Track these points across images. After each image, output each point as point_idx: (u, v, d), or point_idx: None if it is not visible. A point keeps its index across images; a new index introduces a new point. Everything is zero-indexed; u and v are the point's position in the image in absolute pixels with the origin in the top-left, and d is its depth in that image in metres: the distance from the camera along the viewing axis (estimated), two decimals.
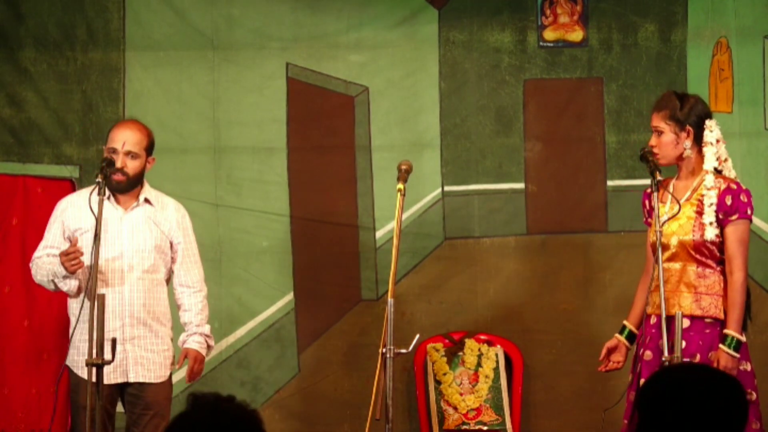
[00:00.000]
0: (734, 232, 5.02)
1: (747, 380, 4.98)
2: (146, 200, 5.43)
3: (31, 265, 5.48)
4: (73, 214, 5.41)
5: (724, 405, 2.83)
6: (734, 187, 5.05)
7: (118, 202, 5.42)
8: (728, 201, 5.02)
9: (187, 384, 5.67)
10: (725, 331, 4.97)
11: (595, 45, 6.68)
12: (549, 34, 6.70)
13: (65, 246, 5.34)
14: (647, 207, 5.22)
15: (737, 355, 4.94)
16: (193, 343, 5.50)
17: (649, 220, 5.20)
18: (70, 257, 5.18)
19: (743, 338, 4.98)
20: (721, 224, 5.02)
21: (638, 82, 6.63)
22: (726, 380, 2.92)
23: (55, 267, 5.28)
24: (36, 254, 5.46)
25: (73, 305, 5.35)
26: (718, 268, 5.05)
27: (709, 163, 5.06)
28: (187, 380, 5.53)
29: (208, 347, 5.56)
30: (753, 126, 6.62)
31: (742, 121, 6.61)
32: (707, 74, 6.64)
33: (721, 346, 4.95)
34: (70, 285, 5.33)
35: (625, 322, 5.24)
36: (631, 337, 5.22)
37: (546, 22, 6.69)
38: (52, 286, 5.39)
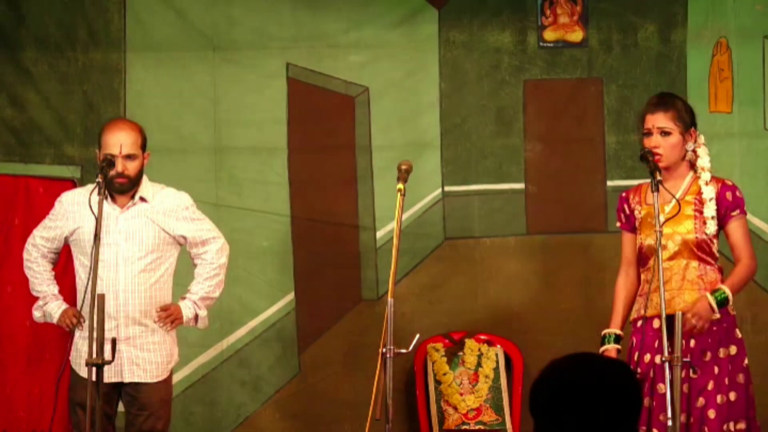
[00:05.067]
0: (740, 226, 5.10)
1: (724, 368, 5.01)
2: (141, 198, 5.44)
3: (28, 247, 5.51)
4: (75, 212, 5.42)
5: (615, 387, 2.83)
6: (730, 183, 5.13)
7: (114, 201, 5.42)
8: (729, 197, 5.09)
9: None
10: (719, 285, 5.01)
11: (595, 45, 6.68)
12: (549, 35, 6.70)
13: (57, 242, 5.45)
14: (627, 211, 5.21)
15: (717, 311, 4.95)
16: (180, 301, 5.49)
17: (618, 224, 5.24)
18: (72, 318, 5.32)
19: (731, 297, 4.98)
20: (722, 220, 5.07)
21: (638, 83, 6.63)
22: (612, 364, 2.93)
23: (49, 305, 5.44)
24: (33, 240, 5.52)
25: (79, 303, 5.37)
26: (717, 265, 5.08)
27: (705, 161, 5.10)
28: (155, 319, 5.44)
29: (197, 310, 5.48)
30: (753, 126, 6.62)
31: (742, 121, 6.61)
32: (707, 74, 6.64)
33: (708, 294, 4.96)
34: (42, 312, 5.47)
35: (607, 331, 5.17)
36: (618, 340, 5.17)
37: (546, 23, 6.70)
38: (33, 291, 5.54)
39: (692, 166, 5.16)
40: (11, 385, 6.34)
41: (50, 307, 5.44)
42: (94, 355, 4.68)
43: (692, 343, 4.95)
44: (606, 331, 5.19)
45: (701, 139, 5.15)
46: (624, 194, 5.26)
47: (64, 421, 6.14)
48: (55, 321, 5.42)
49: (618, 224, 5.27)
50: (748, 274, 5.10)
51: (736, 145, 6.58)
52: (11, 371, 6.35)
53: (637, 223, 5.18)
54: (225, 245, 5.57)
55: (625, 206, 5.22)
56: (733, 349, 5.04)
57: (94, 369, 4.67)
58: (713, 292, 4.98)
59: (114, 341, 4.78)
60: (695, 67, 6.64)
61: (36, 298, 5.56)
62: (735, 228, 5.09)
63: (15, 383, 6.34)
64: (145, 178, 5.50)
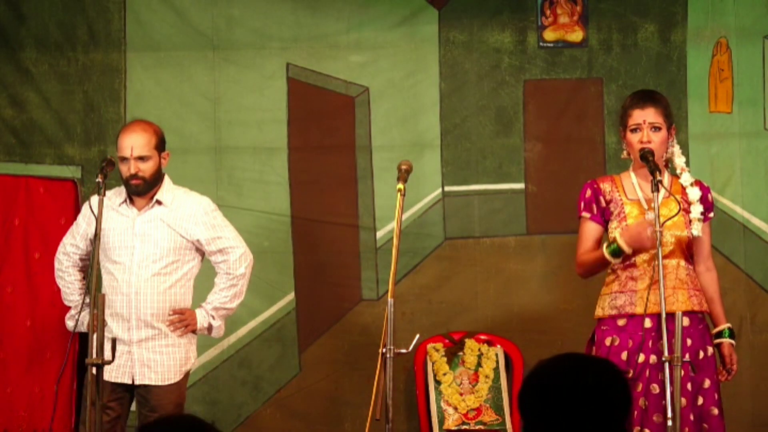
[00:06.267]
0: (710, 228, 5.14)
1: (712, 366, 5.05)
2: (158, 202, 5.42)
3: (59, 256, 5.52)
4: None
5: (605, 387, 2.84)
6: (705, 185, 5.16)
7: (132, 203, 5.42)
8: (710, 198, 5.14)
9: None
10: (723, 326, 5.09)
11: (595, 45, 6.69)
12: (549, 35, 6.71)
13: (86, 246, 5.45)
14: (603, 203, 5.08)
15: (734, 343, 5.13)
16: (197, 308, 5.48)
17: (587, 215, 5.10)
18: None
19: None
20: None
21: (638, 83, 6.62)
22: (598, 363, 2.94)
23: (82, 315, 5.42)
24: (64, 248, 5.54)
25: None
26: (693, 264, 5.10)
27: (682, 161, 5.11)
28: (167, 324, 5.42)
29: (211, 320, 5.48)
30: (753, 126, 6.62)
31: (742, 121, 6.62)
32: (707, 74, 6.65)
33: (725, 340, 5.06)
34: (75, 322, 5.46)
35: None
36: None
37: (546, 23, 6.70)
38: (65, 301, 5.55)
39: (665, 164, 5.14)
40: (12, 384, 6.35)
41: (83, 316, 5.43)
42: (94, 355, 4.69)
43: (689, 342, 4.94)
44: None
45: (674, 139, 5.15)
46: (594, 185, 5.13)
47: (64, 420, 6.15)
48: (85, 329, 5.42)
49: (587, 215, 5.10)
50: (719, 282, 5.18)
51: (736, 145, 6.58)
52: (12, 371, 6.35)
53: (615, 216, 5.07)
54: (245, 255, 5.51)
55: (601, 198, 5.10)
56: (710, 350, 5.07)
57: (93, 368, 4.68)
58: (720, 333, 5.08)
59: (114, 341, 4.78)
60: (695, 67, 6.64)
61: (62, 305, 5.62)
62: (707, 229, 5.12)
63: (16, 383, 6.35)
64: (167, 181, 5.48)
